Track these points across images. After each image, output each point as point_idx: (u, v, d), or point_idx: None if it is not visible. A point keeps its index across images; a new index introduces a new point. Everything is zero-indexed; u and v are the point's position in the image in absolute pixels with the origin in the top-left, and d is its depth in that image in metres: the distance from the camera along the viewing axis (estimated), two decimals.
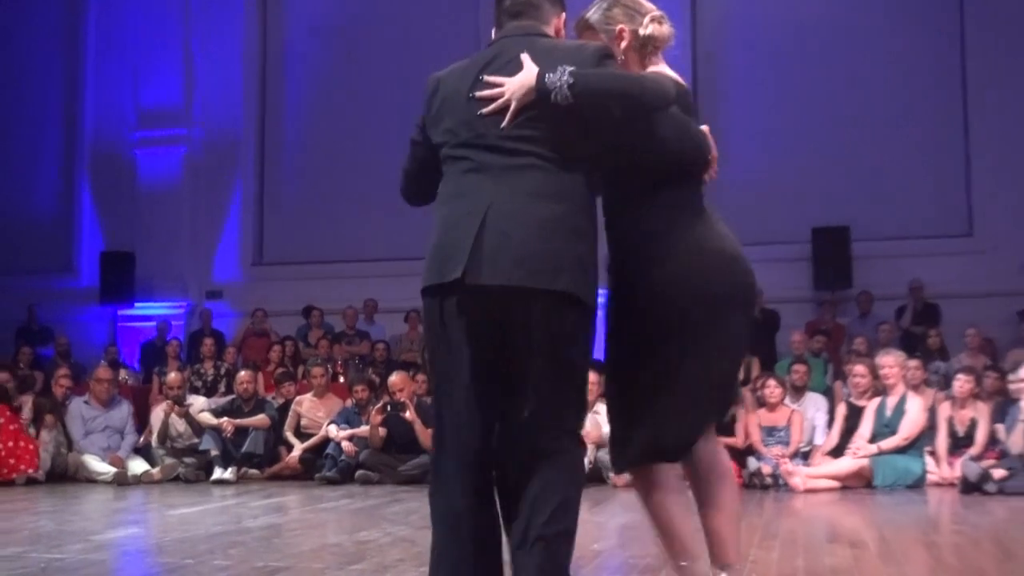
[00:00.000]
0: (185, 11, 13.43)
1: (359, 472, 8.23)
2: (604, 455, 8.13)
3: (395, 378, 8.65)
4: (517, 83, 2.57)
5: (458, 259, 2.52)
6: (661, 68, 2.89)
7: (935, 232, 11.39)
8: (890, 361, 8.06)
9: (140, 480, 8.50)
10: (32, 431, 8.66)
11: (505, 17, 2.80)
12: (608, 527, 5.77)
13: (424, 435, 8.34)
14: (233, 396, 9.27)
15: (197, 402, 9.28)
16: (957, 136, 11.52)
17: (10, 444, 8.45)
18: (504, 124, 2.58)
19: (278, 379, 9.86)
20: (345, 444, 8.43)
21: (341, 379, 9.88)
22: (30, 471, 8.26)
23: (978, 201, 11.34)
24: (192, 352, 11.08)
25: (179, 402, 9.03)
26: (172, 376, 9.35)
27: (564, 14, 2.85)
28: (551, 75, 2.51)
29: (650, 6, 2.95)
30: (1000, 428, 7.59)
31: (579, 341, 2.63)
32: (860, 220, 11.26)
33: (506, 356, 2.59)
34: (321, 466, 8.44)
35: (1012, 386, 7.77)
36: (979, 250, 11.13)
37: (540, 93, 2.53)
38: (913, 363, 8.42)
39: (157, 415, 9.06)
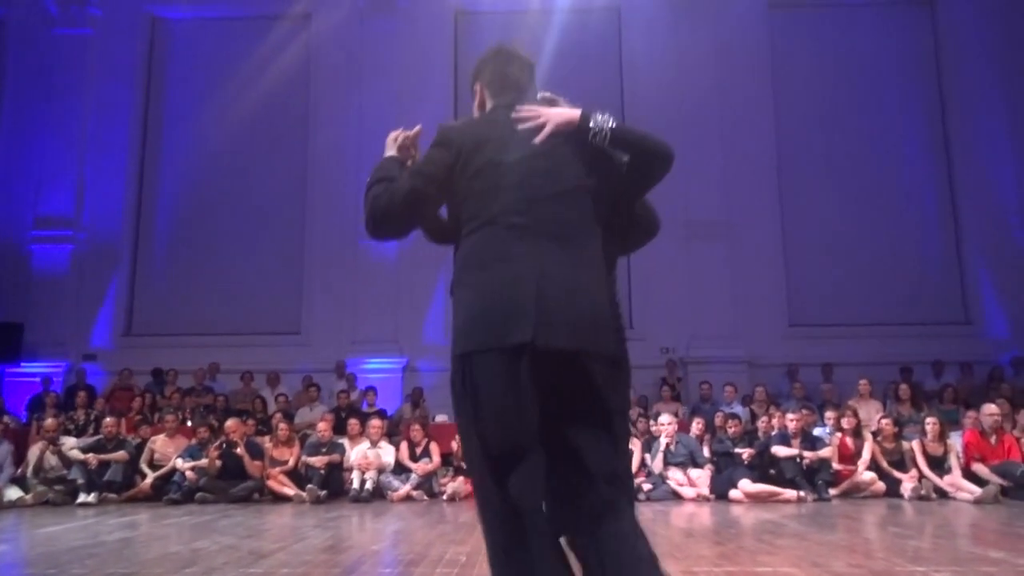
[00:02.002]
0: (81, 138, 12.48)
1: (199, 494, 7.66)
2: (385, 478, 7.98)
3: (230, 423, 8.25)
4: (556, 112, 2.09)
5: (523, 322, 1.86)
6: None
7: None
8: None
9: (14, 505, 7.54)
10: None
11: (515, 83, 2.23)
12: (384, 532, 5.61)
13: (251, 466, 7.90)
14: (100, 436, 8.44)
15: (68, 441, 8.39)
16: (622, 261, 12.31)
17: None
18: (537, 139, 2.05)
19: (137, 424, 9.14)
20: (188, 473, 7.85)
21: (189, 423, 9.21)
22: None
23: (636, 304, 12.01)
24: (68, 402, 10.01)
25: (53, 441, 8.17)
26: (49, 421, 8.47)
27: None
28: (599, 116, 2.06)
29: None
30: (647, 456, 8.03)
31: (625, 398, 2.14)
32: None
33: (556, 417, 1.92)
34: (168, 490, 7.82)
35: (654, 428, 8.27)
36: (638, 338, 11.77)
37: (581, 128, 2.06)
38: None
39: (33, 452, 8.17)
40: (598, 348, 1.93)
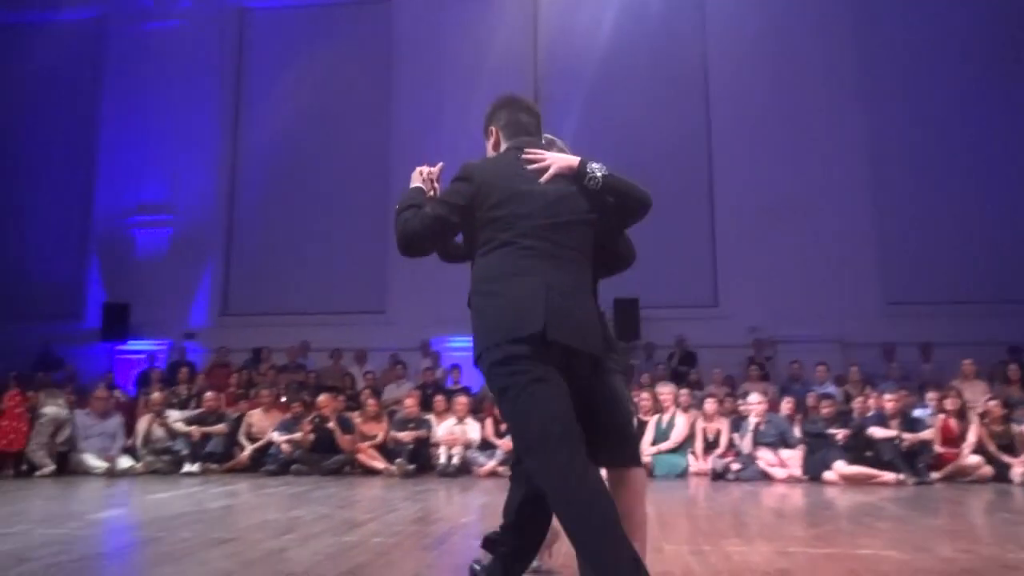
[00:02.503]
0: (175, 127, 13.02)
1: (293, 466, 7.94)
2: (471, 454, 8.09)
3: (322, 398, 8.49)
4: (559, 157, 2.50)
5: (537, 320, 2.30)
6: None
7: (694, 303, 11.82)
8: (666, 390, 8.30)
9: (126, 473, 8.00)
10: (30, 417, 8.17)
11: (525, 128, 2.66)
12: (472, 505, 5.69)
13: (342, 440, 8.13)
14: (201, 410, 8.84)
15: (172, 414, 8.81)
16: (708, 238, 12.03)
17: (14, 423, 7.91)
18: (542, 180, 2.46)
19: (235, 398, 9.52)
20: (284, 446, 8.14)
21: (283, 399, 9.53)
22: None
23: (721, 283, 11.85)
24: (171, 377, 10.52)
25: (159, 414, 8.61)
26: (155, 395, 8.93)
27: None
28: (592, 164, 2.49)
29: None
30: (736, 436, 7.86)
31: None
32: (646, 294, 11.60)
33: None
34: (265, 462, 8.14)
35: (742, 408, 8.09)
36: (723, 316, 11.60)
37: (578, 173, 2.48)
38: (684, 391, 8.67)
39: (142, 424, 8.61)
40: (587, 347, 2.41)
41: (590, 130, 12.45)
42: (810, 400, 8.12)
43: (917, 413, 7.72)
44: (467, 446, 8.14)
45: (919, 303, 11.11)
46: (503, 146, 2.66)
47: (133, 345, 12.23)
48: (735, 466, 7.39)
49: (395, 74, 12.85)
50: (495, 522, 4.53)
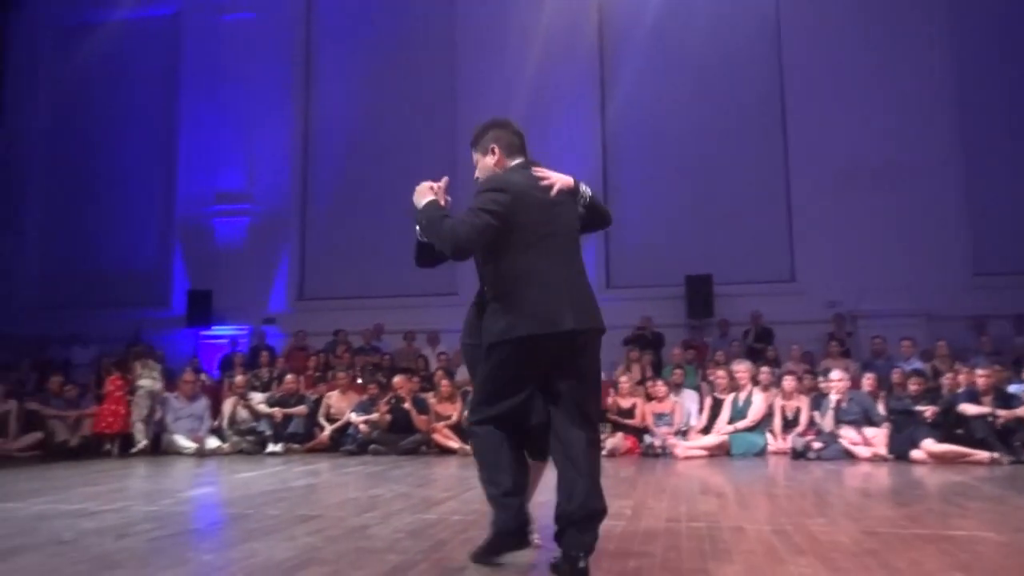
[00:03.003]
0: (249, 117, 13.37)
1: (371, 446, 8.12)
2: None
3: (398, 379, 8.64)
4: (561, 176, 3.02)
5: (566, 315, 2.83)
6: None
7: (770, 279, 11.52)
8: (742, 368, 8.13)
9: (214, 453, 8.33)
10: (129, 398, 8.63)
11: (519, 148, 3.13)
12: (548, 485, 5.69)
13: (418, 420, 8.27)
14: (282, 392, 9.13)
15: (255, 396, 9.14)
16: (784, 211, 11.68)
17: (115, 407, 8.34)
18: (552, 193, 2.96)
19: (314, 380, 9.77)
20: (362, 426, 8.33)
21: (359, 380, 9.74)
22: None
23: (798, 257, 11.50)
24: (253, 361, 10.88)
25: (243, 396, 8.92)
26: (239, 379, 9.26)
27: None
28: (583, 186, 3.06)
29: None
30: (816, 414, 7.65)
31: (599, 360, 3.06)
32: (719, 270, 11.38)
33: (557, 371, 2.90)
34: (344, 442, 8.34)
35: (823, 385, 7.86)
36: (799, 292, 11.27)
37: (573, 191, 3.02)
38: (763, 369, 8.49)
39: (227, 406, 8.94)
40: (597, 325, 2.94)
41: (654, 98, 12.25)
42: (895, 376, 7.82)
43: (1012, 389, 7.34)
44: None
45: (1010, 273, 10.54)
46: (506, 162, 3.09)
47: (216, 330, 12.68)
48: (816, 445, 7.19)
49: (459, 53, 12.86)
50: None
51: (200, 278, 13.12)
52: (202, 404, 8.91)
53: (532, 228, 2.91)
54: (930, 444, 6.80)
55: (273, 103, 13.47)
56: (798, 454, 7.17)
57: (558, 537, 2.83)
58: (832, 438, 7.27)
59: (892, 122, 10.98)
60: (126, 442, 8.36)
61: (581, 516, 2.76)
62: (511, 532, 2.95)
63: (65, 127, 14.37)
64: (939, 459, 6.69)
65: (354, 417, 8.45)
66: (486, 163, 3.13)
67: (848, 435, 7.28)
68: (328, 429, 8.65)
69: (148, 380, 8.64)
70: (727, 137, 11.88)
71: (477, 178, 3.14)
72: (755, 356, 9.73)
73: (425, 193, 3.06)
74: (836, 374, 7.68)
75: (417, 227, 3.05)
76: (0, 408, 8.31)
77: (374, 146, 13.11)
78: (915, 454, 6.84)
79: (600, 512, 2.82)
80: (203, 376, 10.31)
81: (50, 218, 14.24)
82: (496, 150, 3.11)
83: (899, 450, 6.98)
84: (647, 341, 10.65)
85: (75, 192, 14.13)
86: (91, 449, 8.33)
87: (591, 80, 12.46)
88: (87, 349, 11.95)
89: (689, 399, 8.64)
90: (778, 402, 7.98)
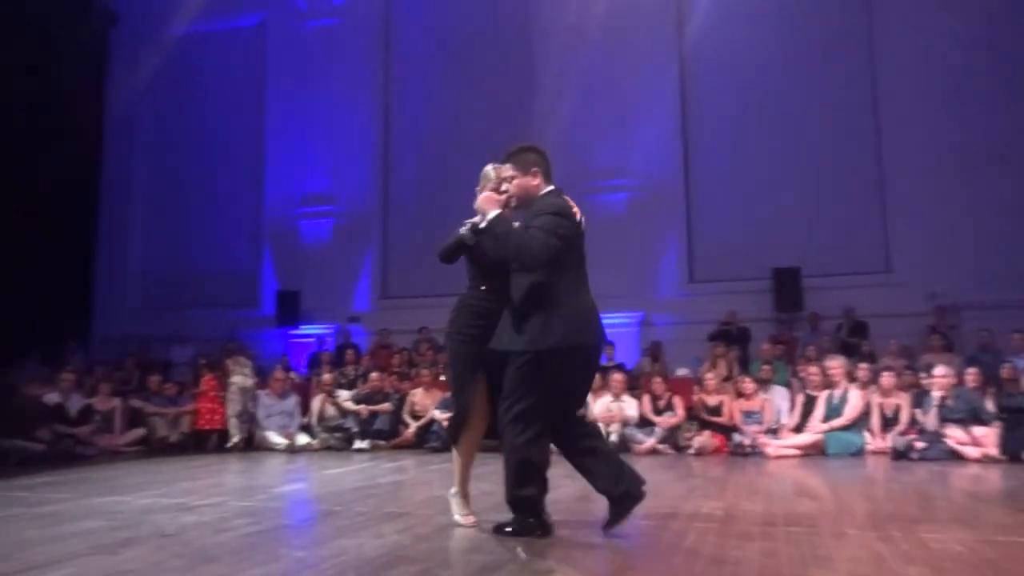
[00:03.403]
0: (333, 120, 13.68)
1: None
2: (629, 431, 7.98)
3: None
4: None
5: (595, 331, 3.47)
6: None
7: (864, 270, 11.02)
8: (836, 363, 7.81)
9: (304, 449, 8.54)
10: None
11: (550, 176, 3.56)
12: None
13: None
14: (367, 390, 9.28)
15: (342, 394, 9.33)
16: (878, 199, 11.16)
17: (211, 406, 8.67)
18: (583, 223, 3.54)
19: (398, 377, 9.91)
20: (445, 423, 8.37)
21: (442, 377, 9.82)
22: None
23: (895, 247, 10.97)
24: (339, 359, 11.12)
25: (330, 393, 9.12)
26: (326, 376, 9.47)
27: None
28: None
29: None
30: (918, 412, 7.26)
31: None
32: (808, 261, 10.96)
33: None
34: (428, 439, 8.42)
35: (925, 381, 7.46)
36: (896, 283, 10.74)
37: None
38: (863, 365, 8.13)
39: (315, 403, 9.14)
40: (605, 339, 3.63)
41: (736, 85, 11.90)
42: (1005, 372, 7.34)
43: None
44: (624, 423, 8.04)
45: None
46: (544, 187, 3.50)
47: (304, 329, 13.05)
48: (919, 444, 6.82)
49: (536, 49, 12.80)
50: (659, 502, 4.43)
51: (288, 279, 13.52)
52: (292, 401, 9.16)
53: (577, 252, 3.43)
54: None
55: (355, 106, 13.74)
56: (899, 454, 6.82)
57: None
58: (936, 437, 6.88)
59: (998, 100, 10.32)
60: (222, 438, 8.67)
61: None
62: (549, 529, 3.46)
63: (163, 137, 15.06)
64: None
65: (438, 414, 8.51)
66: (527, 183, 3.51)
67: (954, 434, 6.87)
68: (413, 426, 8.76)
69: (240, 377, 8.93)
70: (815, 121, 11.43)
71: (507, 191, 3.54)
72: (849, 351, 9.34)
73: (492, 203, 3.43)
74: (940, 369, 7.27)
75: (462, 229, 3.49)
76: (106, 405, 8.74)
77: (453, 144, 13.19)
78: None
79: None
80: (292, 374, 10.60)
81: (151, 225, 14.94)
82: (538, 174, 3.50)
83: (1013, 451, 6.55)
84: (733, 336, 10.35)
85: (173, 199, 14.79)
86: (190, 445, 8.69)
87: (671, 70, 12.20)
88: (185, 348, 12.47)
89: (779, 396, 8.34)
90: (876, 399, 7.61)
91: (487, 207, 3.42)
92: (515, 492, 3.42)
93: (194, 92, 14.80)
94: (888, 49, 11.15)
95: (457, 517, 3.73)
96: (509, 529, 3.44)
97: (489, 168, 3.72)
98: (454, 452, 3.78)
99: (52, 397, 8.24)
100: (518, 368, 3.35)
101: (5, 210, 11.33)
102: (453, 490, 3.81)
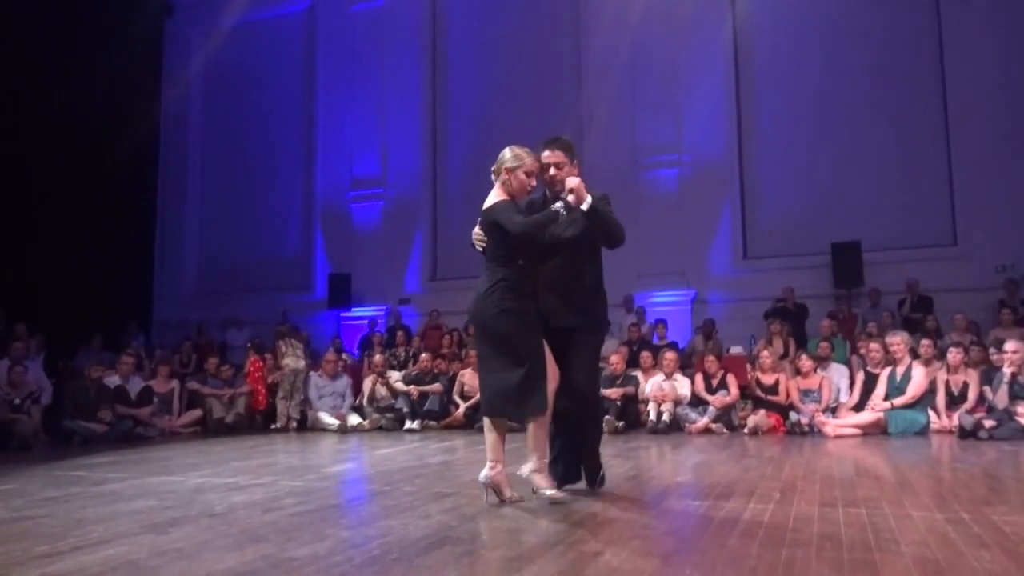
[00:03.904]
0: (381, 105, 13.70)
1: None
2: (682, 410, 7.83)
3: None
4: None
5: None
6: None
7: (928, 243, 10.59)
8: (898, 340, 7.49)
9: (355, 430, 8.62)
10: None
11: None
12: (686, 464, 5.46)
13: None
14: (417, 371, 9.31)
15: (393, 375, 9.38)
16: (943, 169, 10.69)
17: (256, 386, 8.83)
18: None
19: (448, 359, 9.90)
20: None
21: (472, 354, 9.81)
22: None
23: (961, 219, 10.51)
24: (390, 341, 11.20)
25: (381, 375, 9.17)
26: (377, 358, 9.53)
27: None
28: None
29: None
30: (987, 389, 6.94)
31: None
32: (868, 235, 10.58)
33: None
34: (478, 419, 8.38)
35: (995, 358, 7.13)
36: (962, 256, 10.29)
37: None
38: (926, 341, 7.81)
39: (367, 384, 9.22)
40: None
41: (791, 52, 11.51)
42: None
43: None
44: (677, 402, 7.89)
45: None
46: None
47: (356, 312, 13.17)
48: (988, 423, 6.51)
49: (583, 35, 12.59)
50: (713, 482, 4.30)
51: (340, 262, 13.65)
52: (344, 383, 9.24)
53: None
54: None
55: (404, 89, 13.74)
56: (966, 433, 6.52)
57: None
58: (1007, 415, 6.56)
59: None
60: (270, 419, 8.83)
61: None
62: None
63: (216, 125, 15.32)
64: None
65: None
66: (575, 170, 3.79)
67: None
68: (462, 407, 8.75)
69: (292, 358, 9.05)
70: (875, 91, 10.98)
71: (554, 176, 3.77)
72: (912, 327, 8.99)
73: (583, 190, 3.58)
74: (1010, 345, 6.92)
75: (558, 206, 3.56)
76: (165, 387, 8.95)
77: (500, 126, 13.07)
78: None
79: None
80: (344, 356, 10.71)
81: (207, 211, 15.26)
82: (578, 166, 3.84)
83: None
84: (789, 313, 10.07)
85: (228, 186, 15.06)
86: (245, 426, 8.85)
87: (723, 42, 11.86)
88: (241, 332, 12.71)
89: (838, 374, 8.08)
90: (941, 376, 7.31)
91: (582, 191, 3.56)
92: (599, 459, 4.03)
93: (246, 80, 14.99)
94: (954, 15, 10.62)
95: (547, 492, 3.66)
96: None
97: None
98: (531, 427, 3.72)
99: (113, 380, 8.47)
100: (595, 345, 3.90)
101: (67, 199, 11.67)
102: (530, 466, 3.73)
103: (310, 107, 14.54)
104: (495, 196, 3.74)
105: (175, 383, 9.14)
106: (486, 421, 3.84)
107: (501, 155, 3.76)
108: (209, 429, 8.81)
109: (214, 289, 14.64)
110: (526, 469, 3.73)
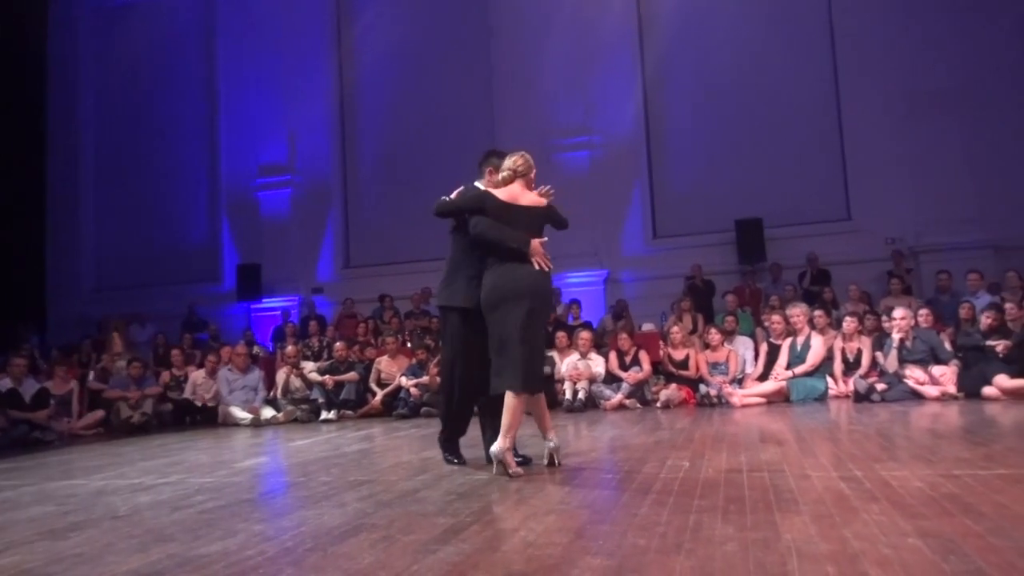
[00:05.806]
0: (287, 89, 13.32)
1: (423, 409, 8.11)
2: (596, 388, 7.98)
3: None
4: None
5: None
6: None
7: (824, 218, 11.10)
8: (797, 311, 7.85)
9: (270, 423, 8.42)
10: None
11: None
12: (601, 439, 5.57)
13: None
14: (332, 360, 9.16)
15: (307, 365, 9.20)
16: (836, 147, 11.20)
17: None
18: None
19: (363, 346, 9.79)
20: (413, 390, 8.32)
21: (408, 344, 9.74)
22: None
23: (854, 194, 11.05)
24: (304, 331, 10.98)
25: (295, 366, 8.97)
26: (290, 348, 9.32)
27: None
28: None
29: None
30: (879, 355, 7.35)
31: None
32: (770, 212, 11.00)
33: None
34: (396, 406, 8.35)
35: (886, 325, 7.55)
36: (856, 230, 10.85)
37: None
38: (819, 311, 8.20)
39: (280, 376, 9.01)
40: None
41: (695, 37, 11.79)
42: (963, 311, 7.45)
43: None
44: (592, 380, 8.04)
45: None
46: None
47: (267, 303, 12.84)
48: (880, 386, 6.91)
49: (494, 9, 12.54)
50: (627, 455, 4.41)
51: (249, 252, 13.27)
52: (256, 376, 9.01)
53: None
54: (1003, 380, 6.48)
55: (311, 73, 13.39)
56: (861, 397, 6.91)
57: None
58: (897, 379, 6.99)
59: (954, 45, 10.36)
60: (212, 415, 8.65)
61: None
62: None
63: (110, 110, 14.56)
64: (1014, 395, 6.37)
65: (404, 381, 8.44)
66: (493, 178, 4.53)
67: (914, 375, 6.98)
68: (380, 394, 8.68)
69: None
70: (773, 73, 11.38)
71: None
72: (812, 299, 9.42)
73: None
74: (899, 312, 7.36)
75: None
76: (62, 389, 8.51)
77: (413, 111, 12.96)
78: (987, 391, 6.53)
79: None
80: (256, 348, 10.43)
81: (104, 202, 14.52)
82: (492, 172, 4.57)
83: (970, 388, 6.68)
84: (698, 290, 10.38)
85: (125, 174, 14.37)
86: (153, 425, 8.52)
87: (630, 26, 12.05)
88: (144, 328, 12.21)
89: (743, 346, 8.40)
90: (838, 344, 7.70)
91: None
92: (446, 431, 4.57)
93: (141, 62, 14.31)
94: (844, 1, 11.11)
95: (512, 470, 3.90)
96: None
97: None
98: (513, 402, 3.98)
99: (4, 383, 7.98)
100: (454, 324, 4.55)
101: None
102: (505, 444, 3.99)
103: (212, 91, 14.00)
104: (522, 191, 4.32)
105: (73, 383, 8.69)
106: (519, 397, 3.98)
107: (527, 160, 4.36)
108: (114, 430, 8.44)
109: (114, 283, 13.98)
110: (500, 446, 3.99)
